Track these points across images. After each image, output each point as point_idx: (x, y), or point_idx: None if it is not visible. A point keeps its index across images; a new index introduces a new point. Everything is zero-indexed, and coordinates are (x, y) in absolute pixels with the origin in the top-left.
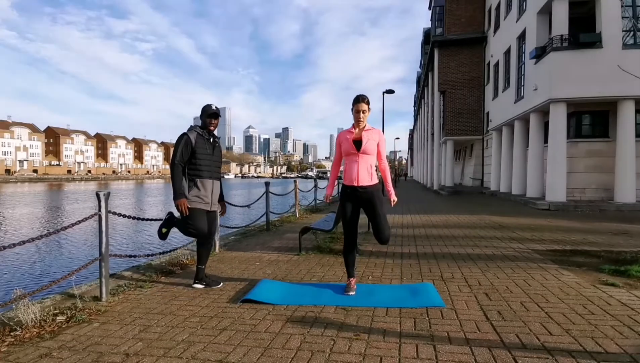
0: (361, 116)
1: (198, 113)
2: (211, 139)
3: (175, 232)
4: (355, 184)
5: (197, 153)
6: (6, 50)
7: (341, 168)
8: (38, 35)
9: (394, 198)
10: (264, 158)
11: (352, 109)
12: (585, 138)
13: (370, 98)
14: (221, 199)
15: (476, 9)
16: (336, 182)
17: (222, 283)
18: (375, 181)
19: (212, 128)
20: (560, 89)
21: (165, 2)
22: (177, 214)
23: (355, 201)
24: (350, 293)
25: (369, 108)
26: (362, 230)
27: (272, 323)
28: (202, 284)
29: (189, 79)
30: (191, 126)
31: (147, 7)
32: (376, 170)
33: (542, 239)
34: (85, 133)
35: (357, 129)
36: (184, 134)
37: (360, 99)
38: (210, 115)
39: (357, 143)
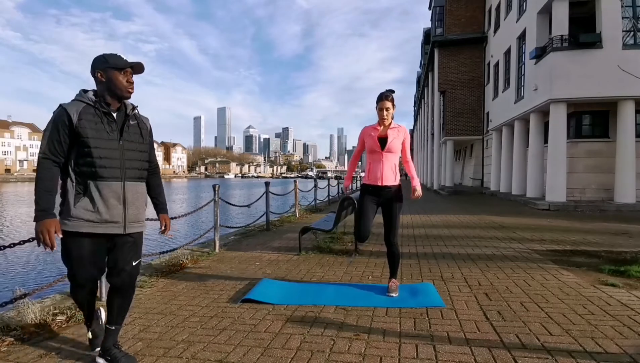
0: (385, 114)
1: (199, 114)
2: (114, 114)
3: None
4: (380, 184)
5: (85, 137)
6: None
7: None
8: (42, 37)
9: (418, 193)
10: (264, 157)
11: (376, 107)
12: (585, 138)
13: (370, 99)
14: (162, 210)
15: (476, 9)
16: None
17: None
18: (398, 180)
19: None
20: (560, 89)
21: (168, 4)
22: None
23: (376, 200)
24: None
25: (393, 105)
26: None
27: (272, 323)
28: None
29: (190, 80)
30: (79, 93)
31: (151, 9)
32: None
33: (542, 239)
34: None
35: (382, 127)
36: (59, 107)
37: (384, 97)
38: (121, 68)
39: (382, 141)
